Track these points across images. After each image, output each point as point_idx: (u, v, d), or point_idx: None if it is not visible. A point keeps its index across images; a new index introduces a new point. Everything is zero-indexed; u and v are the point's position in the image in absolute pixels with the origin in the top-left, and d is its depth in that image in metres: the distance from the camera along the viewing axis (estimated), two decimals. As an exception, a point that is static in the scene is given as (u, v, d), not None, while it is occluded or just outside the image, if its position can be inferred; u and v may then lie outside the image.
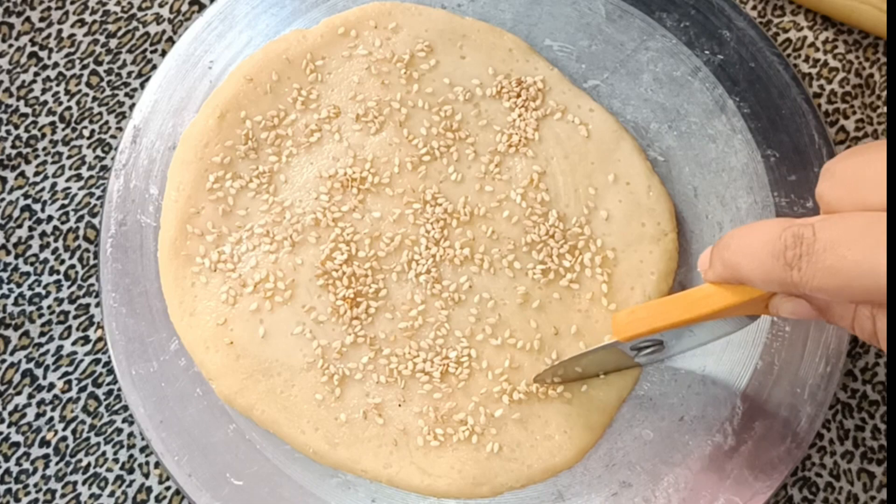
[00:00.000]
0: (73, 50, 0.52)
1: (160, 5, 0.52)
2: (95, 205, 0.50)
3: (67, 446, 0.48)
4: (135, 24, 0.52)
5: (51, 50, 0.52)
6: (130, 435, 0.48)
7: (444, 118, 0.47)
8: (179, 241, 0.46)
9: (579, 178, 0.47)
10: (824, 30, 0.51)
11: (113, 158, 0.49)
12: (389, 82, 0.48)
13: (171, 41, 0.52)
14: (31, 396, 0.48)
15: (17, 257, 0.50)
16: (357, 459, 0.44)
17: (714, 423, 0.45)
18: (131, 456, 0.48)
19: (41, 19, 0.52)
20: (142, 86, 0.51)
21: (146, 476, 0.48)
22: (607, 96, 0.49)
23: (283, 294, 0.46)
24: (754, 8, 0.51)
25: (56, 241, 0.50)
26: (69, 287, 0.49)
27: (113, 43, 0.52)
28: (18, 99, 0.51)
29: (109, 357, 0.47)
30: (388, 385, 0.45)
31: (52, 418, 0.48)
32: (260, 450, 0.46)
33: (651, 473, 0.45)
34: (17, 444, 0.48)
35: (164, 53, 0.51)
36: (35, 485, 0.48)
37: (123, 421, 0.48)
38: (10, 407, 0.48)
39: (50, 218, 0.50)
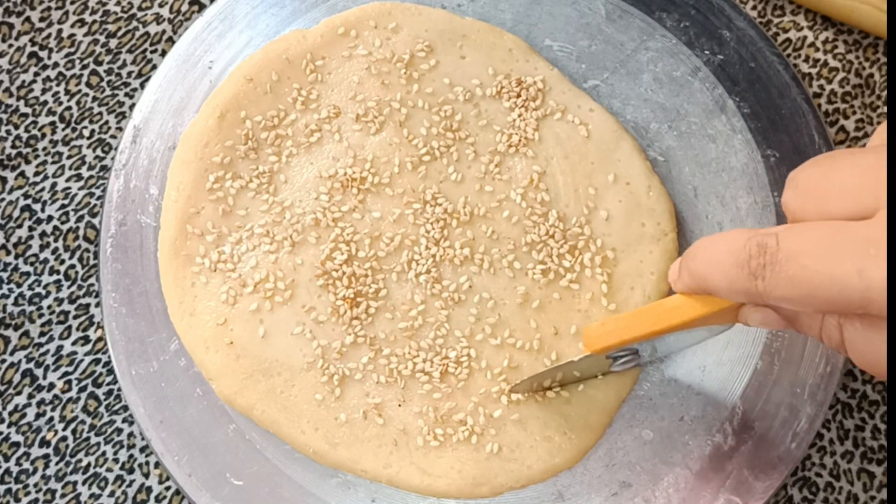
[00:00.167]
0: (73, 50, 0.52)
1: (160, 5, 0.52)
2: (95, 205, 0.50)
3: (67, 446, 0.48)
4: (135, 24, 0.52)
5: (51, 50, 0.52)
6: (130, 435, 0.48)
7: (444, 118, 0.47)
8: (179, 241, 0.46)
9: (579, 178, 0.47)
10: (824, 30, 0.51)
11: (113, 158, 0.49)
12: (389, 82, 0.48)
13: (171, 41, 0.52)
14: (31, 396, 0.48)
15: (17, 257, 0.50)
16: (357, 459, 0.44)
17: (714, 423, 0.45)
18: (131, 456, 0.48)
19: (41, 19, 0.52)
20: (142, 86, 0.51)
21: (146, 476, 0.48)
22: (607, 96, 0.49)
23: (283, 294, 0.46)
24: (754, 8, 0.51)
25: (56, 241, 0.50)
26: (69, 287, 0.49)
27: (113, 43, 0.52)
28: (18, 99, 0.51)
29: (109, 357, 0.47)
30: (388, 385, 0.45)
31: (52, 418, 0.48)
32: (260, 450, 0.46)
33: (651, 473, 0.45)
34: (17, 444, 0.48)
35: (164, 53, 0.51)
36: (35, 485, 0.48)
37: (123, 421, 0.48)
38: (10, 407, 0.48)
39: (50, 218, 0.50)
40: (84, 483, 0.48)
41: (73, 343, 0.49)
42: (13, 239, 0.50)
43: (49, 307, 0.49)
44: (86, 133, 0.51)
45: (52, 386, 0.48)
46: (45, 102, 0.51)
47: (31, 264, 0.50)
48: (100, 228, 0.48)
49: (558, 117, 0.48)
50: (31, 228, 0.50)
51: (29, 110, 0.51)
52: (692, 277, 0.35)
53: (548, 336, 0.46)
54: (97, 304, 0.49)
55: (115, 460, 0.48)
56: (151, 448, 0.46)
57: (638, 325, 0.38)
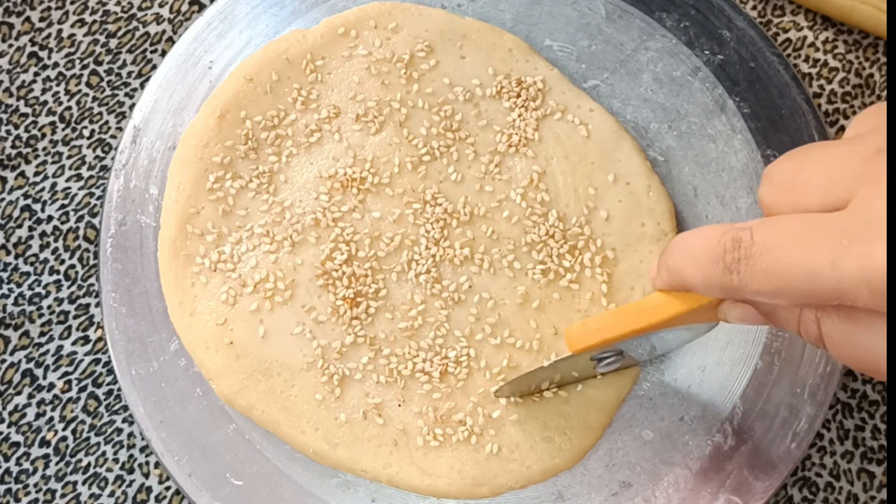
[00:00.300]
0: (73, 50, 0.52)
1: (160, 5, 0.52)
2: (95, 205, 0.50)
3: (67, 446, 0.48)
4: (135, 24, 0.52)
5: (51, 50, 0.52)
6: (130, 435, 0.48)
7: (444, 118, 0.47)
8: (179, 241, 0.46)
9: (579, 178, 0.47)
10: (824, 30, 0.51)
11: (113, 158, 0.49)
12: (389, 82, 0.48)
13: (171, 41, 0.52)
14: (31, 396, 0.48)
15: (17, 257, 0.50)
16: (357, 459, 0.44)
17: (714, 423, 0.45)
18: (131, 456, 0.48)
19: (41, 19, 0.52)
20: (142, 86, 0.51)
21: (146, 476, 0.48)
22: (607, 96, 0.49)
23: (283, 294, 0.46)
24: (754, 8, 0.51)
25: (56, 241, 0.50)
26: (69, 287, 0.49)
27: (113, 43, 0.52)
28: (18, 99, 0.51)
29: (109, 357, 0.47)
30: (388, 385, 0.45)
31: (52, 418, 0.48)
32: (260, 450, 0.46)
33: (651, 473, 0.45)
34: (17, 444, 0.48)
35: (164, 53, 0.51)
36: (35, 485, 0.48)
37: (123, 421, 0.48)
38: (10, 407, 0.48)
39: (50, 218, 0.50)
40: (84, 483, 0.48)
41: (73, 343, 0.49)
42: (13, 239, 0.50)
43: (49, 307, 0.49)
44: (86, 133, 0.51)
45: (52, 386, 0.48)
46: (45, 102, 0.51)
47: (31, 264, 0.50)
48: (100, 228, 0.48)
49: (558, 117, 0.48)
50: (31, 228, 0.50)
51: (29, 110, 0.51)
52: (669, 274, 0.35)
53: (548, 336, 0.46)
54: (97, 304, 0.49)
55: (115, 460, 0.48)
56: (151, 448, 0.46)
57: (619, 325, 0.38)
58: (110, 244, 0.47)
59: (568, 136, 0.47)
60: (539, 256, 0.46)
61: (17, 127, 0.51)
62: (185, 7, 0.52)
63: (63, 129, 0.51)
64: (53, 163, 0.50)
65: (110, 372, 0.48)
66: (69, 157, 0.51)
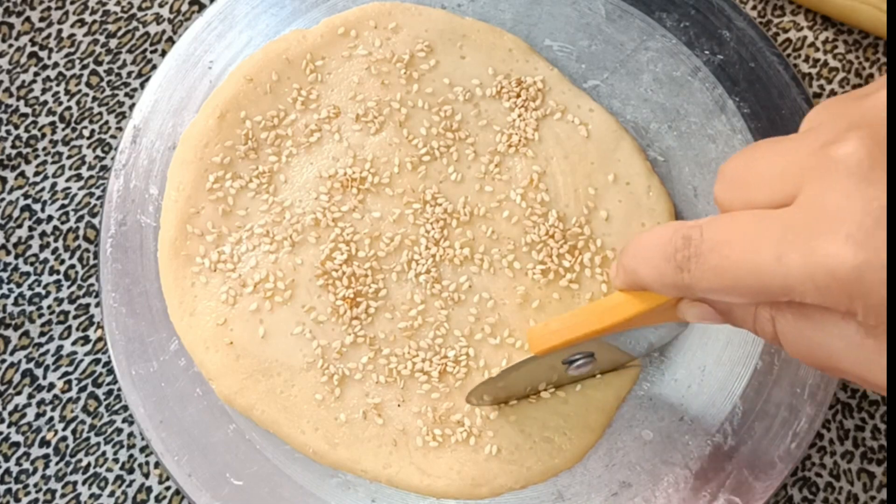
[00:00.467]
0: (73, 50, 0.52)
1: (160, 5, 0.52)
2: (95, 205, 0.50)
3: (67, 446, 0.48)
4: (135, 24, 0.52)
5: (51, 50, 0.52)
6: (130, 435, 0.48)
7: (444, 118, 0.47)
8: (179, 241, 0.46)
9: (579, 178, 0.47)
10: (824, 30, 0.51)
11: (113, 158, 0.49)
12: (389, 82, 0.48)
13: (171, 41, 0.52)
14: (31, 396, 0.48)
15: (17, 257, 0.50)
16: (357, 459, 0.44)
17: (714, 423, 0.45)
18: (131, 456, 0.48)
19: (41, 19, 0.52)
20: (142, 86, 0.51)
21: (146, 476, 0.48)
22: (607, 96, 0.49)
23: (282, 294, 0.46)
24: (754, 8, 0.51)
25: (56, 241, 0.50)
26: (69, 287, 0.49)
27: (113, 43, 0.52)
28: (18, 99, 0.51)
29: (109, 357, 0.47)
30: (388, 385, 0.45)
31: (52, 418, 0.48)
32: (260, 450, 0.46)
33: (651, 473, 0.45)
34: (17, 444, 0.48)
35: (164, 53, 0.51)
36: (35, 485, 0.48)
37: (123, 421, 0.48)
38: (10, 407, 0.48)
39: (50, 218, 0.50)
40: (84, 483, 0.48)
41: (73, 343, 0.49)
42: (13, 239, 0.50)
43: (49, 307, 0.49)
44: (86, 133, 0.51)
45: (52, 386, 0.48)
46: (45, 102, 0.51)
47: (31, 264, 0.50)
48: (100, 228, 0.48)
49: (558, 117, 0.48)
50: (31, 228, 0.50)
51: (29, 110, 0.51)
52: (626, 273, 0.35)
53: (548, 336, 0.46)
54: (97, 304, 0.49)
55: (115, 460, 0.48)
56: (151, 448, 0.46)
57: (581, 325, 0.38)
58: (110, 244, 0.47)
59: (568, 136, 0.47)
60: (539, 256, 0.46)
61: (17, 127, 0.51)
62: (185, 7, 0.52)
63: (63, 129, 0.51)
64: (53, 163, 0.51)
65: (110, 372, 0.48)
66: (69, 157, 0.51)
